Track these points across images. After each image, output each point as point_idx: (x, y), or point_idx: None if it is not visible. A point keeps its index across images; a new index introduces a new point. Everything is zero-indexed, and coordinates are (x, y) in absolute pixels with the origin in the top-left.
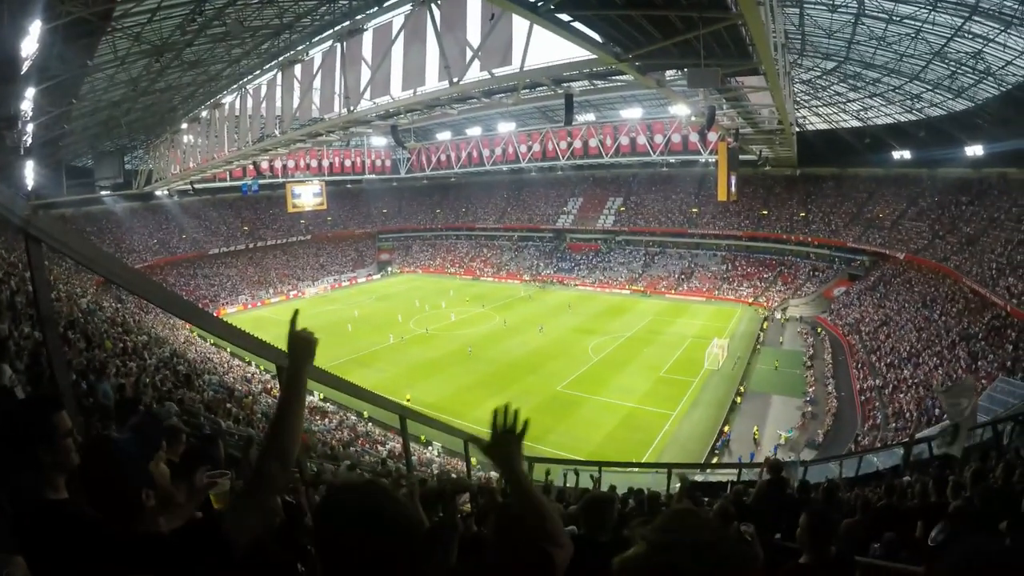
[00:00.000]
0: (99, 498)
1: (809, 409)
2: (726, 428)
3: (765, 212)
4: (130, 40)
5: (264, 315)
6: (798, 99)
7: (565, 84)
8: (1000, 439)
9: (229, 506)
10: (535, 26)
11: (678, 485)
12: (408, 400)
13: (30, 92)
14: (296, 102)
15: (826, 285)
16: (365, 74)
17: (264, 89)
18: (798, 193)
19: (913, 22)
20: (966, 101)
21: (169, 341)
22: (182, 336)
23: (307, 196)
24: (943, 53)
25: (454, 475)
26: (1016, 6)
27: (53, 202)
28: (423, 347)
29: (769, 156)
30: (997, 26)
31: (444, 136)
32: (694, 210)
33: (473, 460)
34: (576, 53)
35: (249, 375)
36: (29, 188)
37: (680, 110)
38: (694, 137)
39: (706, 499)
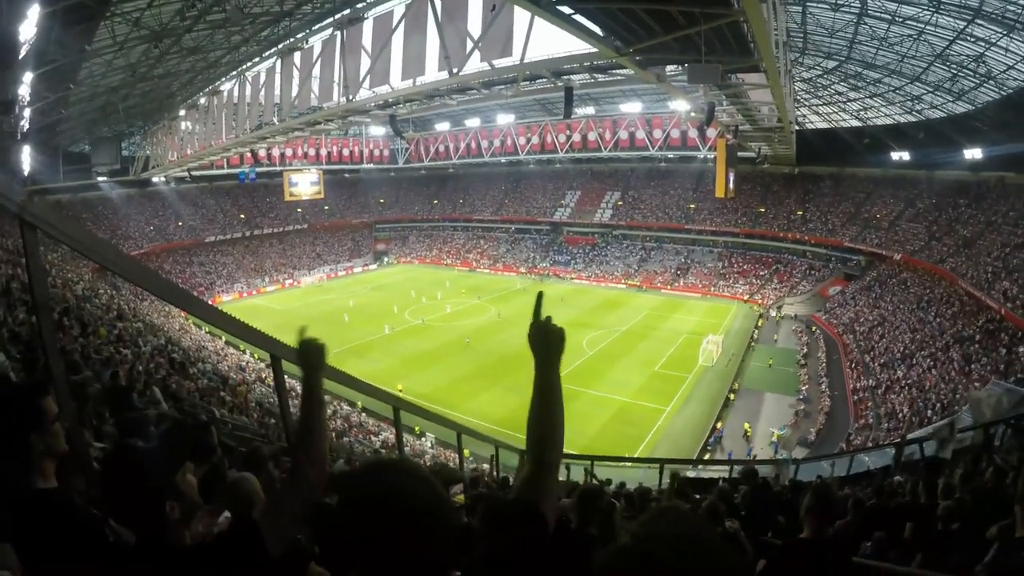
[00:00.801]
0: (122, 510)
1: (802, 407)
2: (719, 424)
3: (763, 210)
4: (129, 25)
5: (259, 304)
6: (798, 97)
7: (565, 77)
8: (991, 443)
9: (265, 509)
10: (536, 18)
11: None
12: (400, 390)
13: (28, 77)
14: (295, 90)
15: (822, 284)
16: (365, 63)
17: (263, 76)
18: (796, 191)
19: (916, 23)
20: (966, 104)
21: (164, 329)
22: (177, 324)
23: (304, 185)
24: (945, 55)
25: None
26: (1019, 11)
27: (49, 188)
28: (418, 338)
29: (768, 154)
30: (1000, 30)
31: (443, 127)
32: (691, 206)
33: (466, 452)
34: (577, 46)
35: (243, 363)
36: (26, 174)
37: (680, 105)
38: (693, 133)
39: (697, 496)
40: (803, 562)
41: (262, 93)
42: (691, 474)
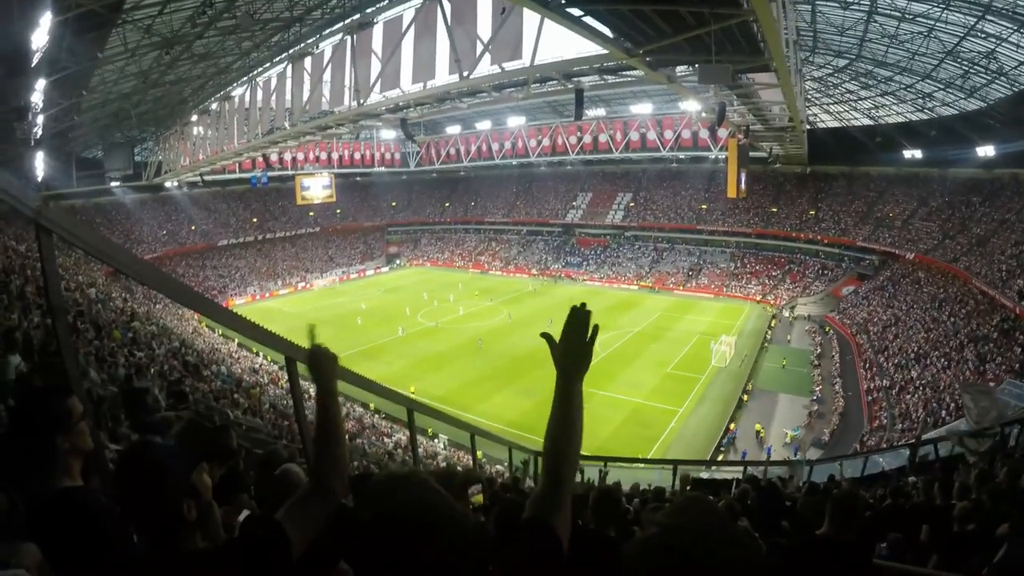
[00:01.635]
0: (136, 508)
1: (816, 408)
2: (732, 425)
3: (775, 210)
4: (140, 32)
5: (272, 306)
6: (809, 96)
7: (576, 79)
8: (1006, 442)
9: (286, 510)
10: (546, 20)
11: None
12: (412, 392)
13: (40, 84)
14: (306, 95)
15: (835, 284)
16: (375, 67)
17: (274, 82)
18: (808, 191)
19: (926, 20)
20: (978, 101)
21: (177, 332)
22: (190, 327)
23: (316, 188)
24: (956, 52)
25: (460, 468)
26: None
27: (63, 193)
28: (431, 340)
29: (779, 153)
30: (1011, 26)
31: (454, 130)
32: (703, 206)
33: (479, 454)
34: (587, 48)
35: (256, 366)
36: (39, 179)
37: (690, 106)
38: (704, 133)
39: (711, 497)
40: (822, 560)
41: (273, 98)
42: (704, 475)
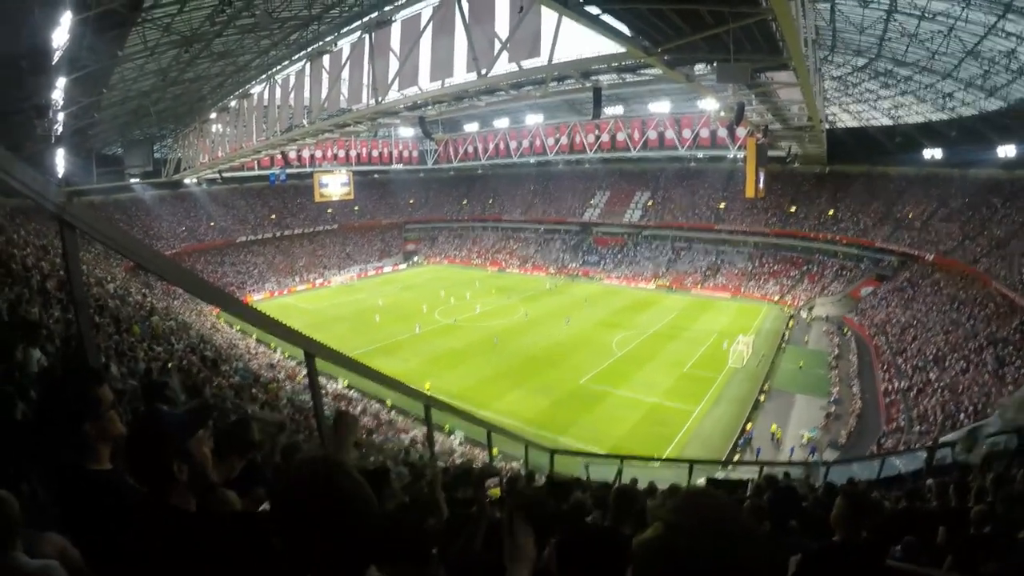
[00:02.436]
0: (135, 464)
1: (833, 409)
2: (749, 426)
3: (793, 209)
4: (160, 31)
5: (290, 303)
6: (828, 96)
7: (593, 77)
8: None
9: None
10: (564, 19)
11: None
12: (427, 388)
13: (61, 82)
14: (324, 92)
15: (853, 285)
16: (393, 65)
17: (292, 79)
18: (827, 191)
19: (946, 19)
20: (999, 101)
21: (196, 327)
22: (208, 322)
23: (334, 186)
24: (976, 51)
25: (477, 464)
26: None
27: (83, 189)
28: (448, 337)
29: (798, 153)
30: None
31: (472, 128)
32: (721, 206)
33: (494, 450)
34: (605, 46)
35: (274, 361)
36: (60, 176)
37: (709, 105)
38: (722, 132)
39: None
40: (836, 565)
41: (292, 96)
42: (720, 475)
